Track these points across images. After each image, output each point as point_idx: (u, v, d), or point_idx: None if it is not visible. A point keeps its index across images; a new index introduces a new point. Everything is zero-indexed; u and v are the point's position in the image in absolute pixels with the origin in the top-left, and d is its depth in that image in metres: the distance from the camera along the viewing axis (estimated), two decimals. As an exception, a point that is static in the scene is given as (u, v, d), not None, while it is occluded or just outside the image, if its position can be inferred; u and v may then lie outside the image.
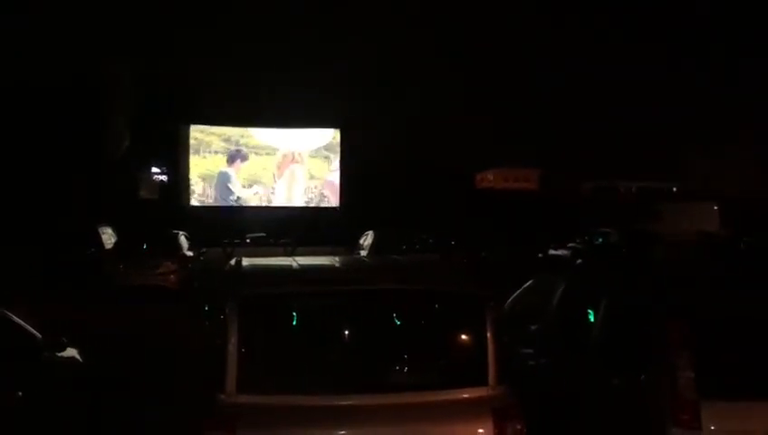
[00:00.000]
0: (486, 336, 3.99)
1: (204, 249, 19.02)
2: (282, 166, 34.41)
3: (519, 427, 3.75)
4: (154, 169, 42.04)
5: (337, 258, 5.17)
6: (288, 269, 4.75)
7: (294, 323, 4.04)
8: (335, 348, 4.00)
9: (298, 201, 34.54)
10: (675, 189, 63.51)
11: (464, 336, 4.14)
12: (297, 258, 5.27)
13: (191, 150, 34.13)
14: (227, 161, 34.07)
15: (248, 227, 29.71)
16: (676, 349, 4.04)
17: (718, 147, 62.97)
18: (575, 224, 28.98)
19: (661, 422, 4.04)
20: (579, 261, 19.92)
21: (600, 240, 24.19)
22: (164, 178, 41.16)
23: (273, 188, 34.51)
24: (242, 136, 34.55)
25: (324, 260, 5.15)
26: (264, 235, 28.63)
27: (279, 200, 34.33)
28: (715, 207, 32.86)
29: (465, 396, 3.87)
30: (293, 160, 34.51)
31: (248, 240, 28.25)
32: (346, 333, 4.07)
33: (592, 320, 5.30)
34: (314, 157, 34.99)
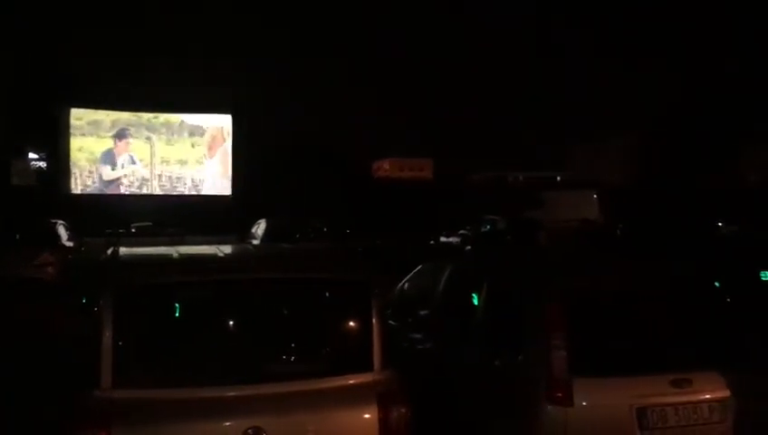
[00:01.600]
0: (371, 322, 4.02)
1: (85, 239, 18.07)
2: (170, 152, 33.29)
3: (404, 410, 3.80)
4: (32, 156, 39.42)
5: (222, 247, 5.03)
6: (167, 258, 4.59)
7: (173, 313, 3.90)
8: (215, 339, 3.90)
9: (189, 188, 33.53)
10: (558, 178, 66.57)
11: (348, 323, 4.15)
12: (180, 248, 5.10)
13: (77, 134, 32.34)
14: (114, 143, 32.53)
15: (134, 216, 28.52)
16: (550, 330, 4.24)
17: (600, 138, 66.54)
18: (466, 212, 29.82)
19: (537, 400, 4.23)
20: (468, 247, 20.56)
21: (488, 227, 25.03)
22: (42, 164, 38.69)
23: (162, 175, 33.31)
24: (135, 118, 33.09)
25: (208, 249, 5.01)
26: (150, 224, 27.55)
27: (169, 187, 33.20)
28: (594, 196, 34.63)
29: (350, 382, 3.89)
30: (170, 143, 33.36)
31: (133, 230, 27.09)
32: (227, 323, 3.98)
33: (476, 304, 5.47)
34: (204, 143, 34.03)
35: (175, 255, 4.62)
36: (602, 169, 65.32)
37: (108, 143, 32.82)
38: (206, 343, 3.86)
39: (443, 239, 24.65)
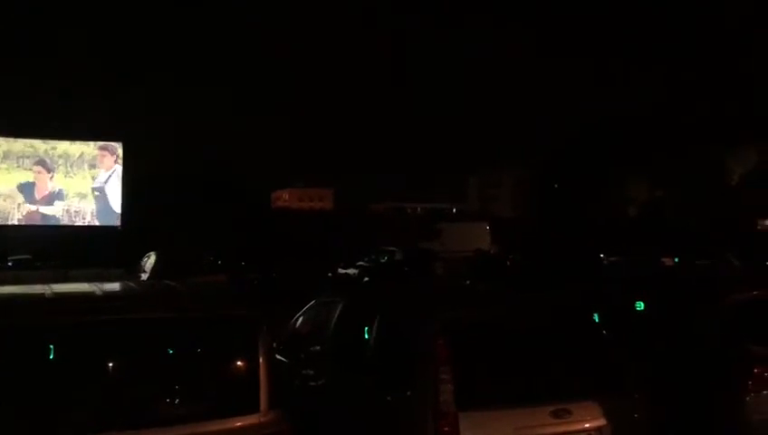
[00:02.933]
0: (258, 361, 3.93)
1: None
2: (53, 180, 31.62)
3: None
4: None
5: (102, 284, 4.78)
6: (36, 297, 4.30)
7: (44, 357, 3.65)
8: (89, 383, 3.68)
9: (72, 219, 31.85)
10: (454, 210, 68.45)
11: (234, 362, 4.04)
12: (55, 285, 4.80)
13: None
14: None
15: (12, 249, 26.68)
16: (437, 364, 4.30)
17: (496, 170, 69.03)
18: (365, 243, 30.01)
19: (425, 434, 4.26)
20: (366, 279, 20.66)
21: (386, 258, 25.28)
22: None
23: (45, 204, 31.50)
24: (31, 148, 31.40)
25: (85, 286, 4.74)
26: (29, 257, 25.81)
27: (51, 217, 31.41)
28: (487, 227, 35.83)
29: (237, 425, 3.78)
30: (68, 175, 31.84)
31: (10, 263, 25.26)
32: (101, 366, 3.76)
33: (368, 338, 5.47)
34: (92, 172, 32.55)
35: (48, 293, 4.33)
36: (496, 201, 67.82)
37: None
38: (78, 389, 3.63)
39: (341, 271, 24.64)
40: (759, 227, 40.78)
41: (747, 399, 5.28)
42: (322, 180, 77.67)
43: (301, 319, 7.17)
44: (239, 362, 4.02)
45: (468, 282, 18.42)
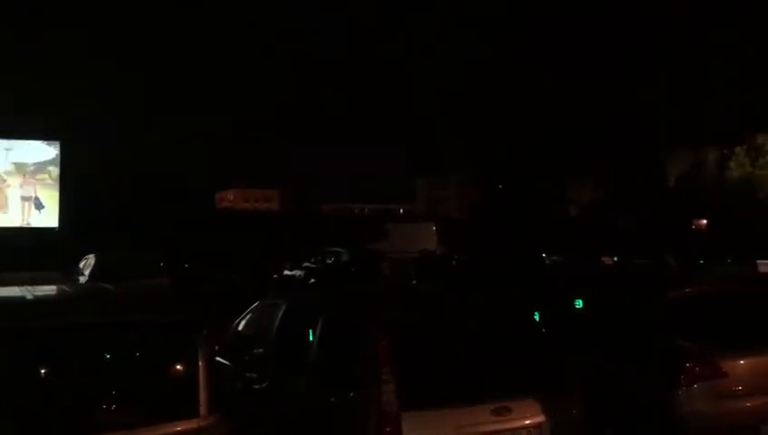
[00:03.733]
0: (197, 365, 3.87)
1: None
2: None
3: None
4: None
5: (34, 288, 4.62)
6: None
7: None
8: (22, 392, 3.55)
9: (7, 220, 30.67)
10: (402, 211, 68.83)
11: (172, 367, 3.96)
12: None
13: None
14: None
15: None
16: (380, 365, 4.31)
17: (443, 172, 69.67)
18: (313, 244, 29.85)
19: (367, 436, 4.27)
20: (312, 280, 20.56)
21: (332, 259, 25.21)
22: None
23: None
24: None
25: (16, 291, 4.58)
26: None
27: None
28: (434, 227, 36.13)
29: (176, 429, 3.71)
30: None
31: None
32: (35, 374, 3.64)
33: (312, 340, 5.45)
34: (29, 172, 31.42)
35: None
36: (443, 202, 68.51)
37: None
38: (8, 399, 3.50)
39: (286, 272, 24.45)
40: (694, 227, 42.36)
41: (679, 393, 5.47)
42: (269, 181, 76.99)
43: (244, 321, 7.09)
44: (178, 367, 3.95)
45: (415, 282, 18.55)
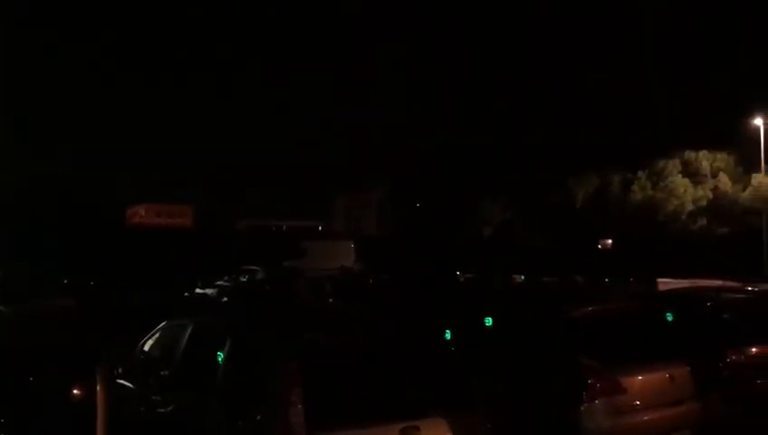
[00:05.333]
0: (95, 390, 3.70)
1: None
2: None
3: None
4: None
5: None
6: None
7: None
8: None
9: None
10: (320, 228, 68.52)
11: (69, 393, 3.77)
12: None
13: None
14: None
15: None
16: (289, 387, 4.25)
17: (363, 190, 69.88)
18: (228, 261, 29.21)
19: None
20: (225, 299, 20.08)
21: (246, 278, 24.75)
22: None
23: None
24: None
25: None
26: None
27: None
28: (352, 245, 36.18)
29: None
30: None
31: None
32: None
33: (219, 362, 5.31)
34: None
35: None
36: (362, 220, 68.74)
37: None
38: None
39: (198, 291, 23.79)
40: (600, 247, 44.22)
41: (582, 409, 5.66)
42: (183, 196, 75.08)
43: (150, 342, 6.84)
44: (77, 392, 3.76)
45: (331, 301, 18.44)
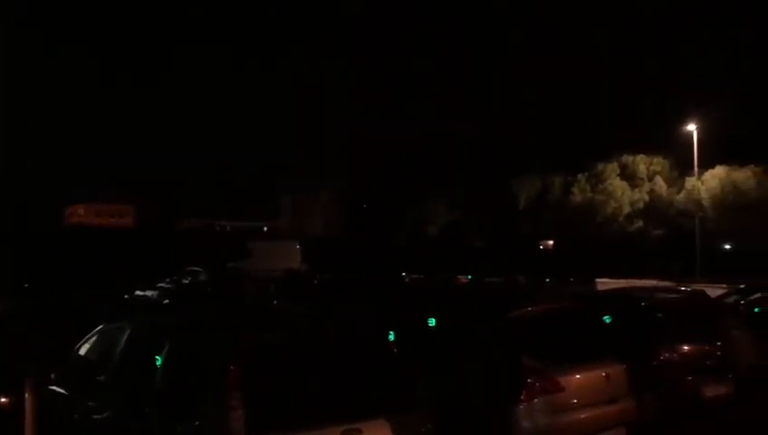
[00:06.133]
0: (23, 401, 3.57)
1: None
2: None
3: None
4: None
5: None
6: None
7: None
8: None
9: None
10: (266, 229, 67.85)
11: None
12: None
13: None
14: None
15: None
16: (228, 391, 4.19)
17: (310, 189, 69.44)
18: (170, 262, 28.61)
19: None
20: (166, 301, 19.66)
21: (189, 279, 24.30)
22: None
23: None
24: None
25: None
26: None
27: None
28: (298, 246, 35.93)
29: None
30: None
31: None
32: None
33: (157, 366, 5.20)
34: None
35: None
36: (309, 220, 68.36)
37: None
38: None
39: (138, 293, 23.21)
40: (542, 248, 45.21)
41: (521, 408, 5.76)
42: (124, 195, 73.23)
43: (85, 346, 6.63)
44: (2, 399, 3.62)
45: (276, 302, 18.28)
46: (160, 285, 23.85)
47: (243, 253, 34.42)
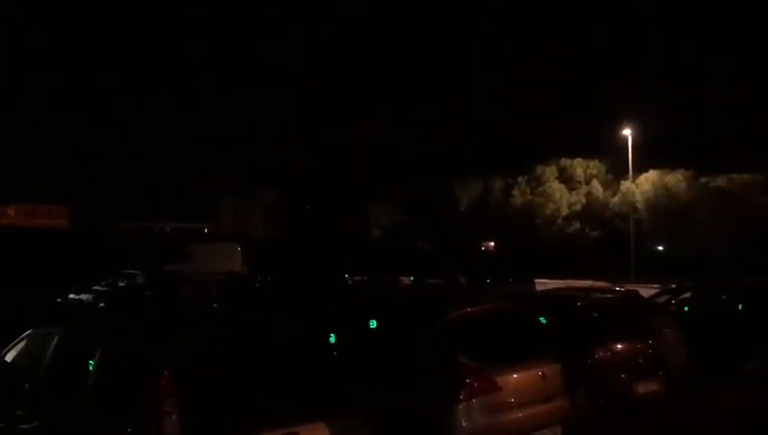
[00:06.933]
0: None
1: None
2: None
3: None
4: None
5: None
6: None
7: None
8: None
9: None
10: (206, 231, 66.71)
11: None
12: None
13: None
14: None
15: None
16: (161, 397, 4.09)
17: (251, 191, 68.60)
18: (107, 265, 27.76)
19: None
20: (101, 305, 19.11)
21: (125, 282, 23.66)
22: None
23: None
24: None
25: None
26: None
27: None
28: (238, 248, 35.43)
29: None
30: None
31: None
32: None
33: (89, 372, 5.03)
34: None
35: None
36: (250, 222, 67.51)
37: None
38: None
39: (72, 296, 22.44)
40: (483, 248, 45.86)
41: (459, 408, 5.82)
42: (58, 195, 70.80)
43: (12, 352, 6.38)
44: None
45: (216, 305, 17.98)
46: (95, 288, 23.12)
47: (182, 255, 33.73)
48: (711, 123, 40.26)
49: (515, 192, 47.93)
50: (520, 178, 48.16)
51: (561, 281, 20.87)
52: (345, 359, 5.52)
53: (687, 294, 13.57)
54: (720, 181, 40.76)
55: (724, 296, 12.89)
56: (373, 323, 7.53)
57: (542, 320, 8.27)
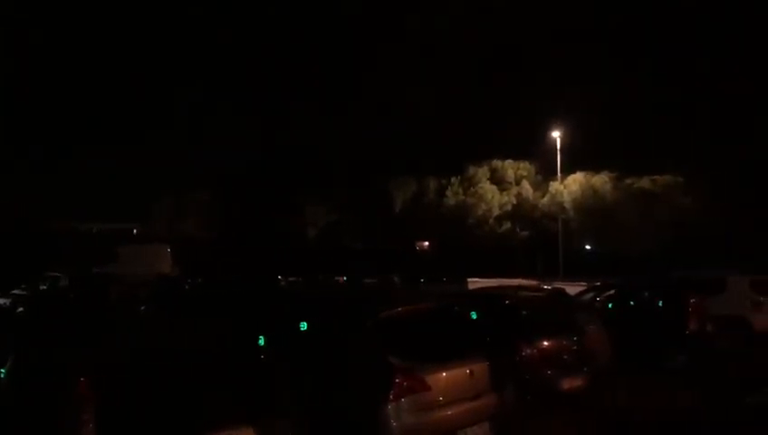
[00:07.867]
0: None
1: None
2: None
3: None
4: None
5: None
6: None
7: None
8: None
9: None
10: (135, 231, 64.75)
11: None
12: None
13: None
14: None
15: None
16: (79, 406, 3.94)
17: (184, 191, 66.93)
18: (27, 267, 26.62)
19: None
20: (20, 310, 18.26)
21: (47, 285, 22.72)
22: None
23: None
24: None
25: None
26: None
27: None
28: (168, 250, 34.62)
29: None
30: None
31: None
32: None
33: (1, 381, 4.80)
34: None
35: None
36: (183, 222, 65.93)
37: None
38: None
39: (-13, 301, 21.35)
40: (417, 248, 46.20)
41: (389, 407, 5.84)
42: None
43: None
44: None
45: (144, 307, 17.46)
46: (14, 291, 22.09)
47: (110, 256, 32.71)
48: (635, 125, 41.74)
49: (449, 193, 48.52)
50: (453, 179, 48.78)
51: (493, 280, 21.22)
52: (275, 361, 5.46)
53: (612, 292, 14.02)
54: (644, 183, 42.31)
55: (645, 294, 13.40)
56: (304, 325, 7.47)
57: (473, 318, 8.39)
